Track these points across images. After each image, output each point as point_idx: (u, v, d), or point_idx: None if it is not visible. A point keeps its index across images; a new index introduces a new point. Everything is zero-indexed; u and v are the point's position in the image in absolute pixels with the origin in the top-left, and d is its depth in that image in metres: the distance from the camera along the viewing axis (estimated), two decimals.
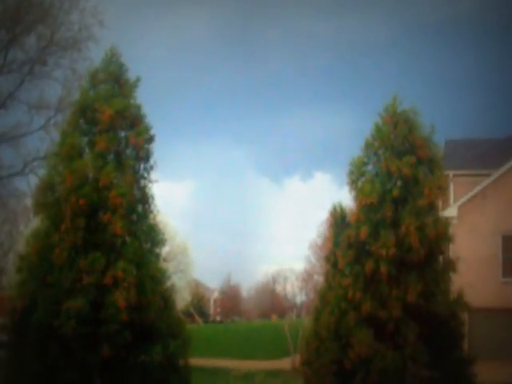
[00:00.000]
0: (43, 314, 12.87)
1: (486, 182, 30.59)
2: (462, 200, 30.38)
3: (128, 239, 13.74)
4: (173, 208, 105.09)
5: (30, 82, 36.11)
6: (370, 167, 15.68)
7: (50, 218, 13.58)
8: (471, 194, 30.57)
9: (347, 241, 15.04)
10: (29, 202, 30.23)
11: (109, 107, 14.07)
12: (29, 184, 35.00)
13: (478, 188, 30.61)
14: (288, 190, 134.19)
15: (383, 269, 14.32)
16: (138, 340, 13.23)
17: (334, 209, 15.97)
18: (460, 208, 30.01)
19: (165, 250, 16.11)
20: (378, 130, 15.66)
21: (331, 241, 15.82)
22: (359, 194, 15.10)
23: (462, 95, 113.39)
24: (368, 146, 15.70)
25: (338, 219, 15.85)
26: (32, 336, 12.98)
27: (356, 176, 15.61)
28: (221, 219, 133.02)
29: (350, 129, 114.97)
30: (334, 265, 15.45)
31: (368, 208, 14.89)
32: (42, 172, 15.44)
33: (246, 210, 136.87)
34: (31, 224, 14.73)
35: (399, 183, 15.10)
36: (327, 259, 15.97)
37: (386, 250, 14.33)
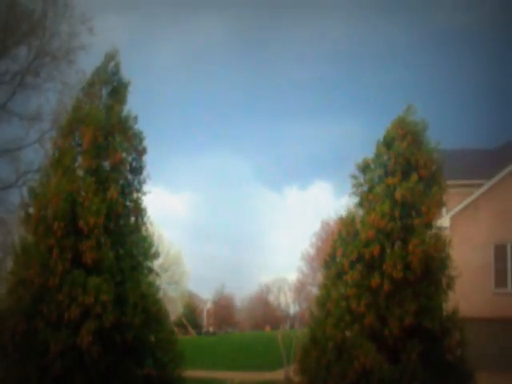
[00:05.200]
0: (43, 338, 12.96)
1: (478, 192, 30.67)
2: (455, 210, 30.45)
3: (110, 254, 13.57)
4: (170, 219, 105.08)
5: (22, 94, 36.07)
6: (375, 176, 15.75)
7: (43, 240, 13.45)
8: (463, 204, 30.64)
9: (356, 254, 15.04)
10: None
11: (89, 125, 13.86)
12: (22, 196, 34.87)
13: (470, 198, 30.69)
14: (287, 198, 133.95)
15: (386, 287, 14.48)
16: (125, 354, 13.14)
17: (347, 217, 15.66)
18: (452, 218, 30.06)
19: (158, 262, 16.03)
20: (388, 139, 15.67)
21: (341, 250, 15.47)
22: (373, 213, 15.03)
23: (456, 105, 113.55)
24: (379, 155, 15.72)
25: (349, 229, 15.50)
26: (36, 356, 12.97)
27: (361, 181, 15.71)
28: (217, 229, 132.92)
29: (349, 138, 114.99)
30: (338, 274, 15.34)
31: (380, 228, 14.92)
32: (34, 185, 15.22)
33: (243, 220, 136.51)
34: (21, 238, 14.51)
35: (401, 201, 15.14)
36: (326, 266, 15.87)
37: (396, 270, 14.43)
